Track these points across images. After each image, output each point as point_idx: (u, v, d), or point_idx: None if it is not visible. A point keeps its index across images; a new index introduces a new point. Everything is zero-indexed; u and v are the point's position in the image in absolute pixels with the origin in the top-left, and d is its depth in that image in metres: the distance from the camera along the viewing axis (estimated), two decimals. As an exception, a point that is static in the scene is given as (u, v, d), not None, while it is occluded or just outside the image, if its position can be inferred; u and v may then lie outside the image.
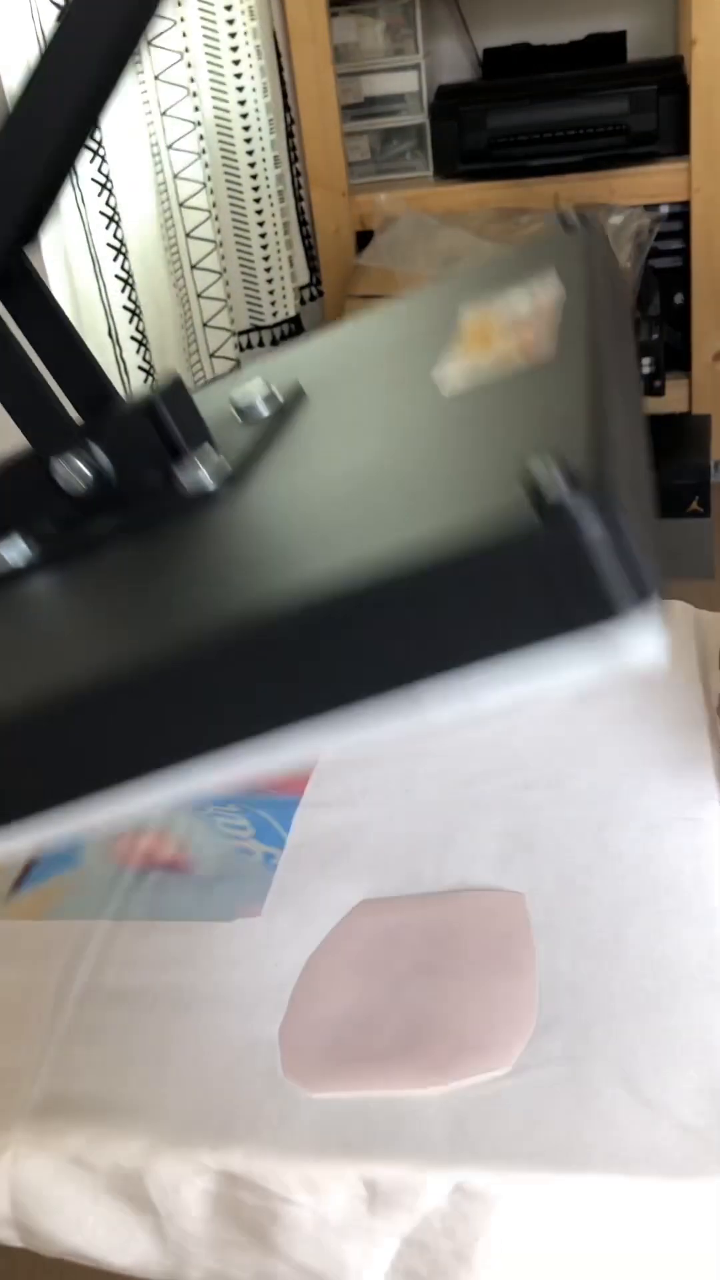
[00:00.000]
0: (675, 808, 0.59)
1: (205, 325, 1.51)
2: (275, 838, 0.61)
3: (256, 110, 1.64)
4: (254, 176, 1.68)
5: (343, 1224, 0.44)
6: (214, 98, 1.59)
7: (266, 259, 1.74)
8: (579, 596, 0.30)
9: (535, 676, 0.31)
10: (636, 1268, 0.42)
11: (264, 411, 0.45)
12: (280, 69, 1.80)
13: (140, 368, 1.28)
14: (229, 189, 1.66)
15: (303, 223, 1.96)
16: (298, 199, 1.91)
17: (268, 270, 1.75)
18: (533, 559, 0.29)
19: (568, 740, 0.65)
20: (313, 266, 1.99)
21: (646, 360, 1.96)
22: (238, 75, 1.62)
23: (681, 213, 2.24)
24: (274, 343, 1.82)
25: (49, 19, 1.09)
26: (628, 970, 0.50)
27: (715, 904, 0.53)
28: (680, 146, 2.17)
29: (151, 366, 1.31)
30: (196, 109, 1.43)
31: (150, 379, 1.29)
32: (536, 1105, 0.45)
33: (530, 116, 2.16)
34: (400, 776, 0.64)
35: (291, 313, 1.84)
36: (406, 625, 0.30)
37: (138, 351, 1.28)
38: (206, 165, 1.48)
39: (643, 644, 0.31)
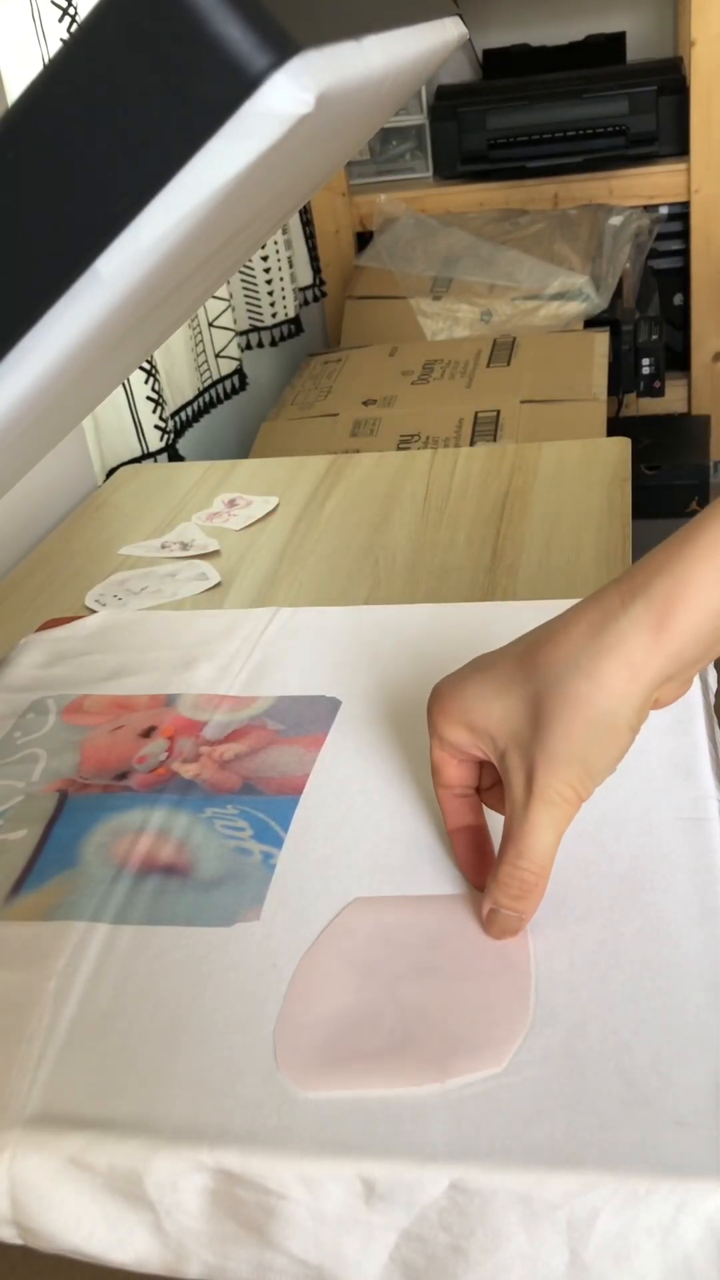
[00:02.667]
0: (675, 808, 0.59)
1: (211, 325, 1.52)
2: (274, 838, 0.61)
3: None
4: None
5: (340, 1218, 0.44)
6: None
7: (265, 259, 1.74)
8: (206, 71, 0.29)
9: (196, 181, 0.31)
10: (633, 1266, 0.42)
11: None
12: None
13: (142, 367, 1.28)
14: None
15: (306, 223, 1.97)
16: (298, 200, 1.91)
17: (266, 271, 1.75)
18: (145, 43, 0.29)
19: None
20: (316, 268, 1.99)
21: (647, 360, 1.96)
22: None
23: (681, 213, 2.24)
24: (274, 343, 1.83)
25: (49, 19, 1.09)
26: (625, 969, 0.50)
27: (714, 904, 0.53)
28: (680, 147, 2.18)
29: (154, 366, 1.31)
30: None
31: (152, 378, 1.29)
32: (533, 1102, 0.45)
33: (530, 117, 2.16)
34: (398, 776, 0.64)
35: (291, 313, 1.84)
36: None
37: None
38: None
39: (285, 94, 0.30)
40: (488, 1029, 0.48)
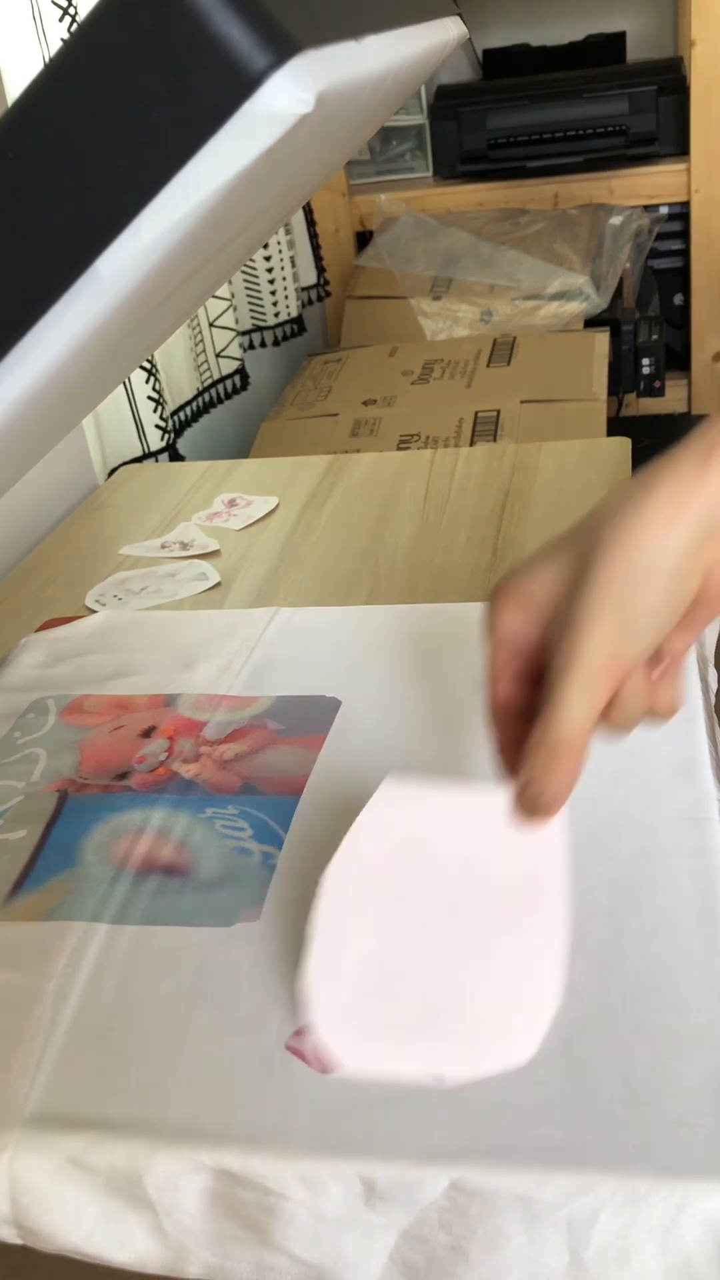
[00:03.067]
0: (675, 808, 0.59)
1: (212, 325, 1.52)
2: (274, 838, 0.61)
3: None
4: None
5: (340, 1218, 0.44)
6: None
7: (268, 259, 1.74)
8: (206, 70, 0.30)
9: (196, 181, 0.31)
10: (633, 1266, 0.42)
11: None
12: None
13: (142, 367, 1.28)
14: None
15: (311, 223, 1.96)
16: (298, 200, 1.91)
17: (269, 270, 1.75)
18: (145, 42, 0.29)
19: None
20: (320, 267, 1.99)
21: (647, 360, 1.96)
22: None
23: (681, 213, 2.24)
24: (276, 343, 1.83)
25: (50, 19, 1.09)
26: (626, 969, 0.50)
27: (714, 904, 0.53)
28: (680, 147, 2.18)
29: (155, 366, 1.31)
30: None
31: (153, 378, 1.29)
32: (533, 1102, 0.45)
33: (530, 117, 2.16)
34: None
35: (294, 313, 1.84)
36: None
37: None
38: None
39: (285, 94, 0.30)
40: (515, 1012, 0.45)
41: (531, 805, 0.45)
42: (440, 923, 0.47)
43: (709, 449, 0.44)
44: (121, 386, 1.26)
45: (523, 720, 0.47)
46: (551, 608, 0.45)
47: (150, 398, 1.29)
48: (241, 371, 1.60)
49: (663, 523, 0.43)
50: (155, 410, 1.30)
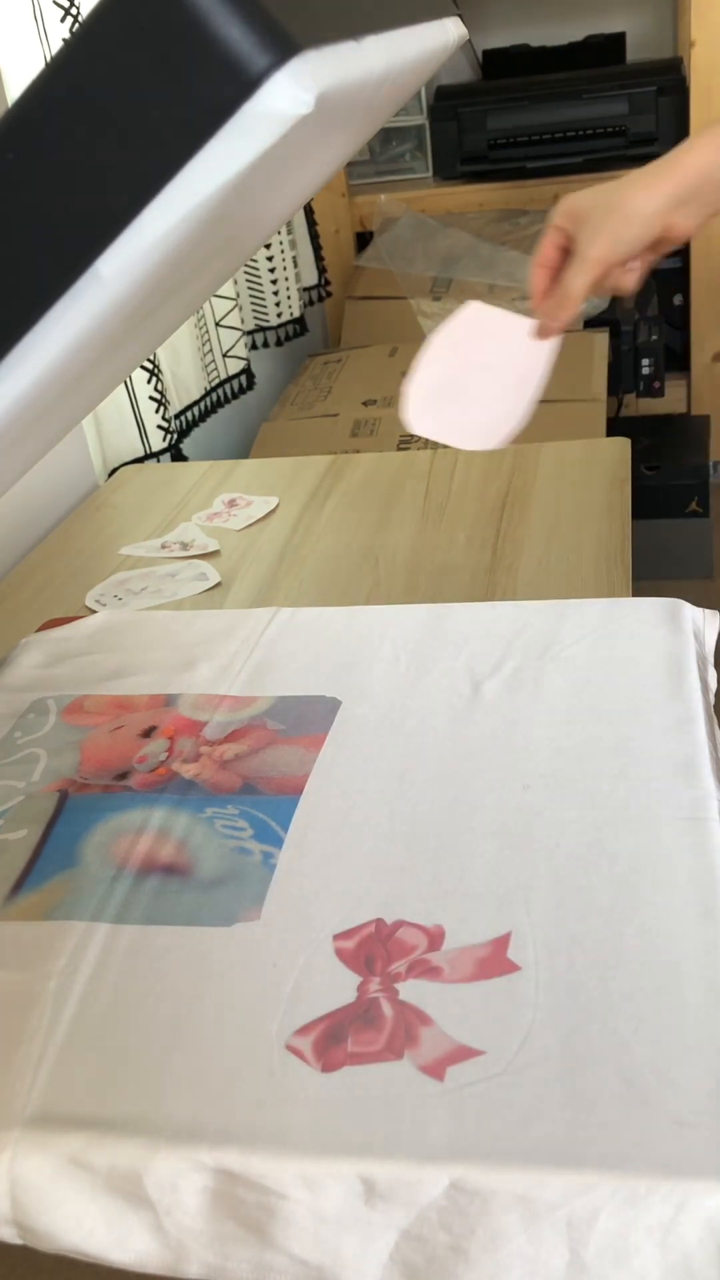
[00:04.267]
0: (675, 808, 0.59)
1: (218, 324, 1.52)
2: (274, 838, 0.61)
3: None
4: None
5: (340, 1218, 0.44)
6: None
7: (270, 259, 1.74)
8: (206, 71, 0.30)
9: (196, 181, 0.31)
10: (633, 1266, 0.42)
11: None
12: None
13: (144, 367, 1.28)
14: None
15: (312, 223, 1.96)
16: (298, 200, 1.91)
17: (271, 271, 1.75)
18: (150, 41, 0.29)
19: (567, 740, 0.65)
20: (321, 268, 1.98)
21: (646, 360, 1.96)
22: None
23: (681, 213, 2.23)
24: (279, 343, 1.83)
25: (52, 19, 1.09)
26: (625, 969, 0.50)
27: (714, 903, 0.53)
28: (680, 147, 2.16)
29: (157, 366, 1.31)
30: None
31: (155, 378, 1.29)
32: (533, 1102, 0.45)
33: (530, 118, 2.16)
34: (398, 776, 0.64)
35: (296, 313, 1.84)
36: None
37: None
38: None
39: (285, 94, 0.30)
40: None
41: (545, 323, 0.77)
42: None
43: (684, 149, 0.73)
44: (123, 387, 1.26)
45: (550, 273, 0.77)
46: (585, 221, 0.75)
47: (152, 398, 1.29)
48: (247, 371, 1.60)
49: (643, 190, 0.73)
50: (157, 411, 1.30)
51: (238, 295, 1.59)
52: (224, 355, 1.54)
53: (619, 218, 0.73)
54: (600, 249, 0.73)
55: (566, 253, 0.77)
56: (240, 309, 1.61)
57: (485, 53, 2.34)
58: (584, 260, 0.74)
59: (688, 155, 0.73)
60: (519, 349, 0.77)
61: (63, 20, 1.09)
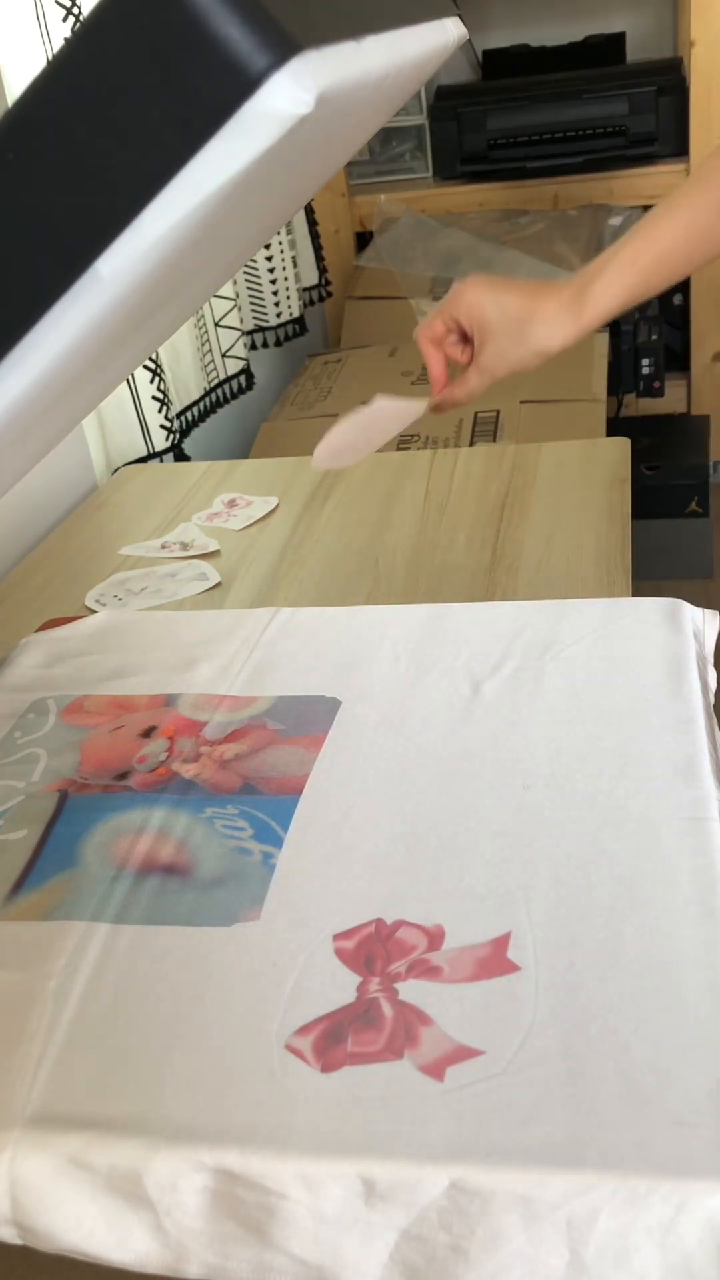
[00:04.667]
0: (675, 808, 0.59)
1: (217, 324, 1.52)
2: (274, 838, 0.61)
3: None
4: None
5: (340, 1218, 0.44)
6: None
7: (269, 259, 1.74)
8: (206, 71, 0.30)
9: (196, 181, 0.31)
10: (633, 1266, 0.42)
11: None
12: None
13: (147, 367, 1.28)
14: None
15: (312, 224, 1.96)
16: (298, 200, 1.91)
17: (270, 271, 1.75)
18: (149, 41, 0.29)
19: (567, 740, 0.65)
20: (322, 268, 1.98)
21: (646, 360, 1.96)
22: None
23: (681, 214, 2.23)
24: (278, 343, 1.82)
25: (54, 18, 1.09)
26: (625, 969, 0.50)
27: (714, 903, 0.53)
28: (679, 147, 2.17)
29: (159, 366, 1.31)
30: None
31: (158, 378, 1.29)
32: (533, 1102, 0.45)
33: (530, 118, 2.16)
34: (398, 776, 0.64)
35: (295, 313, 1.84)
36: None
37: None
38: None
39: (285, 94, 0.30)
40: None
41: (440, 410, 0.85)
42: None
43: (597, 279, 0.80)
44: (126, 387, 1.26)
45: (439, 348, 0.85)
46: (489, 336, 0.82)
47: (155, 398, 1.29)
48: (247, 371, 1.60)
49: (554, 332, 0.81)
50: (160, 410, 1.30)
51: (237, 295, 1.59)
52: (223, 355, 1.54)
53: (526, 351, 0.81)
54: (502, 370, 0.83)
55: (462, 336, 0.85)
56: (239, 309, 1.60)
57: (485, 53, 2.34)
58: (486, 373, 0.83)
59: (601, 296, 0.79)
60: (402, 415, 0.86)
61: (64, 20, 1.09)
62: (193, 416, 1.46)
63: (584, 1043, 0.47)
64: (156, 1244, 0.46)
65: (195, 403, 1.47)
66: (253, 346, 1.78)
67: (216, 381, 1.53)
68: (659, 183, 2.19)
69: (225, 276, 0.58)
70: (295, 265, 1.85)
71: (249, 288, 1.76)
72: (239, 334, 1.57)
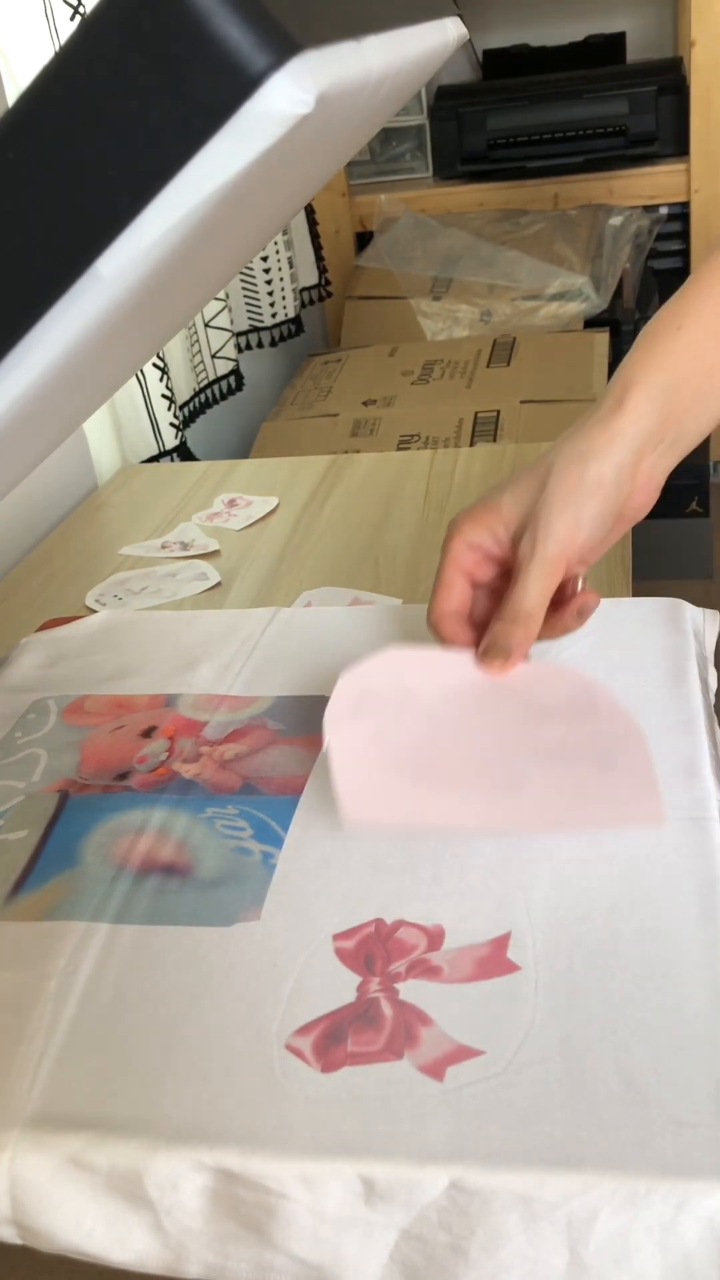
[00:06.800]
0: (675, 808, 0.59)
1: (207, 325, 1.52)
2: (274, 838, 0.61)
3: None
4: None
5: (340, 1218, 0.44)
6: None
7: (265, 259, 1.74)
8: (206, 70, 0.30)
9: (196, 181, 0.31)
10: (633, 1266, 0.42)
11: None
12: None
13: (155, 365, 1.28)
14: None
15: (312, 223, 1.96)
16: (297, 200, 1.91)
17: (266, 271, 1.75)
18: (144, 40, 0.29)
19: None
20: (322, 268, 1.98)
21: (646, 361, 1.95)
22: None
23: (681, 213, 2.24)
24: (273, 343, 1.82)
25: (62, 18, 1.08)
26: (625, 969, 0.50)
27: (714, 903, 0.53)
28: (679, 147, 2.18)
29: (166, 365, 1.31)
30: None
31: (166, 376, 1.29)
32: (533, 1102, 0.45)
33: (530, 118, 2.16)
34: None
35: (291, 314, 1.84)
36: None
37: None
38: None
39: (285, 94, 0.30)
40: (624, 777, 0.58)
41: (492, 658, 0.61)
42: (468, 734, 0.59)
43: (620, 398, 0.61)
44: (137, 385, 1.26)
45: (463, 623, 0.64)
46: (516, 522, 0.61)
47: (164, 396, 1.29)
48: (236, 372, 1.60)
49: (601, 445, 0.60)
50: (168, 408, 1.30)
51: (227, 296, 1.59)
52: (213, 356, 1.54)
53: (576, 494, 0.59)
54: (561, 541, 0.59)
55: (489, 590, 0.64)
56: (230, 310, 1.60)
57: (485, 53, 2.34)
58: (542, 561, 0.59)
59: (630, 396, 0.60)
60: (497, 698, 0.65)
61: (72, 19, 1.09)
62: (184, 415, 1.47)
63: (584, 1043, 0.47)
64: (156, 1244, 0.46)
65: (186, 403, 1.47)
66: (247, 346, 1.79)
67: (206, 382, 1.53)
68: (659, 183, 2.19)
69: (227, 277, 0.58)
70: (292, 265, 1.85)
71: (244, 288, 1.76)
72: (229, 335, 1.57)
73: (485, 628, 0.63)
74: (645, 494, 0.61)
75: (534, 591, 0.59)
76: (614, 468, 0.59)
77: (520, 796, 0.56)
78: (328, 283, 2.05)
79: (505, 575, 0.63)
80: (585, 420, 0.62)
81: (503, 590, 0.62)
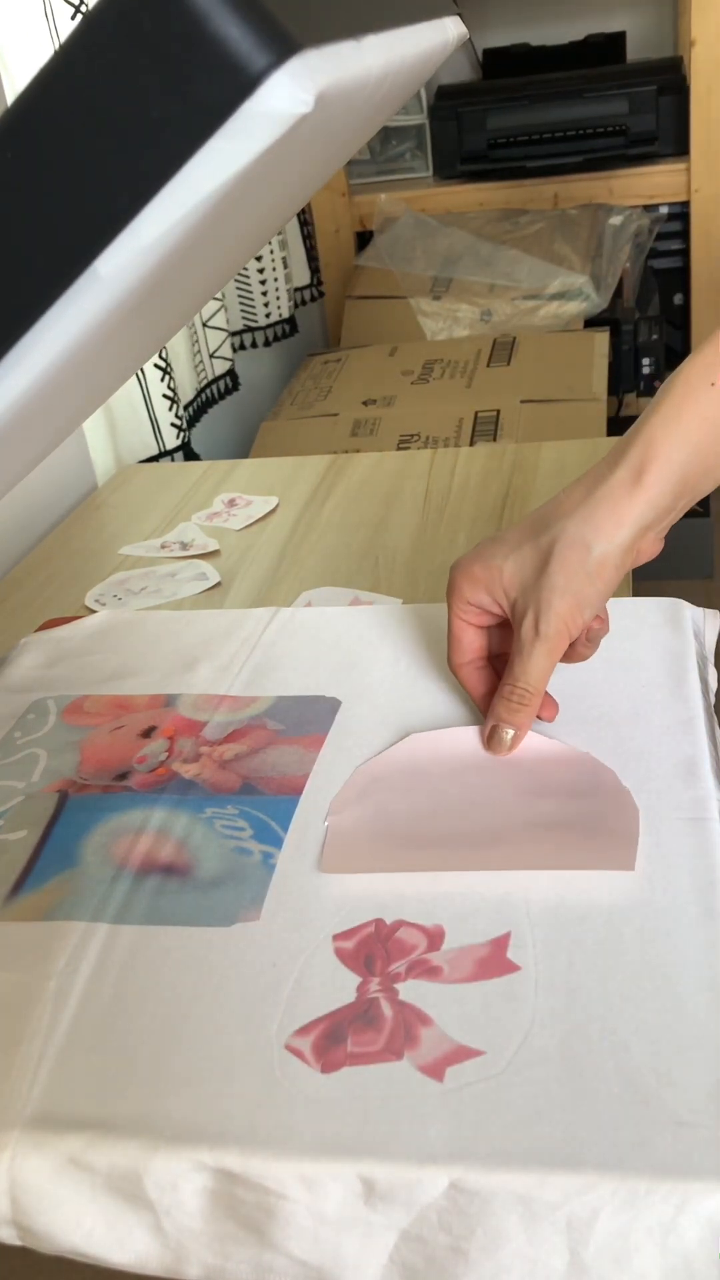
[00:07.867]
0: (675, 808, 0.59)
1: (205, 325, 1.52)
2: (274, 838, 0.61)
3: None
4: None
5: (340, 1219, 0.44)
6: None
7: (259, 259, 1.74)
8: (206, 70, 0.30)
9: (196, 181, 0.31)
10: (633, 1266, 0.42)
11: None
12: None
13: (156, 365, 1.28)
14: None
15: (304, 223, 1.96)
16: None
17: (260, 271, 1.75)
18: (143, 41, 0.29)
19: (567, 740, 0.65)
20: (314, 267, 1.98)
21: (647, 360, 1.96)
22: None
23: (681, 213, 2.24)
24: (267, 343, 1.82)
25: (63, 17, 1.08)
26: (625, 969, 0.50)
27: (714, 903, 0.53)
28: (679, 147, 2.18)
29: (169, 364, 1.31)
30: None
31: (168, 376, 1.29)
32: (533, 1102, 0.45)
33: (530, 117, 2.16)
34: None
35: (286, 314, 1.84)
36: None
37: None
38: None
39: (285, 94, 0.30)
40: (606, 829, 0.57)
41: (500, 743, 0.63)
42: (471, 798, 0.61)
43: (639, 470, 0.59)
44: (137, 385, 1.26)
45: (480, 670, 0.66)
46: (516, 590, 0.61)
47: (165, 395, 1.29)
48: (232, 372, 1.60)
49: (609, 530, 0.59)
50: (170, 409, 1.30)
51: (223, 296, 1.59)
52: (211, 356, 1.54)
53: (579, 575, 0.59)
54: (564, 621, 0.59)
55: (500, 629, 0.65)
56: (226, 310, 1.60)
57: (485, 52, 2.34)
58: (545, 642, 0.59)
59: (650, 470, 0.59)
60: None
61: (72, 18, 1.09)
62: (187, 416, 1.47)
63: (584, 1043, 0.47)
64: (156, 1244, 0.46)
65: (189, 403, 1.47)
66: (242, 346, 1.79)
67: (206, 382, 1.53)
68: (659, 182, 2.19)
69: (226, 277, 0.58)
70: (286, 265, 1.85)
71: (238, 288, 1.76)
72: (225, 334, 1.57)
73: (502, 659, 0.65)
74: (649, 554, 0.62)
75: (535, 671, 0.61)
76: (619, 552, 0.59)
77: (499, 845, 0.58)
78: (319, 282, 2.05)
79: (508, 625, 0.64)
80: (596, 486, 0.60)
81: (512, 629, 0.63)
